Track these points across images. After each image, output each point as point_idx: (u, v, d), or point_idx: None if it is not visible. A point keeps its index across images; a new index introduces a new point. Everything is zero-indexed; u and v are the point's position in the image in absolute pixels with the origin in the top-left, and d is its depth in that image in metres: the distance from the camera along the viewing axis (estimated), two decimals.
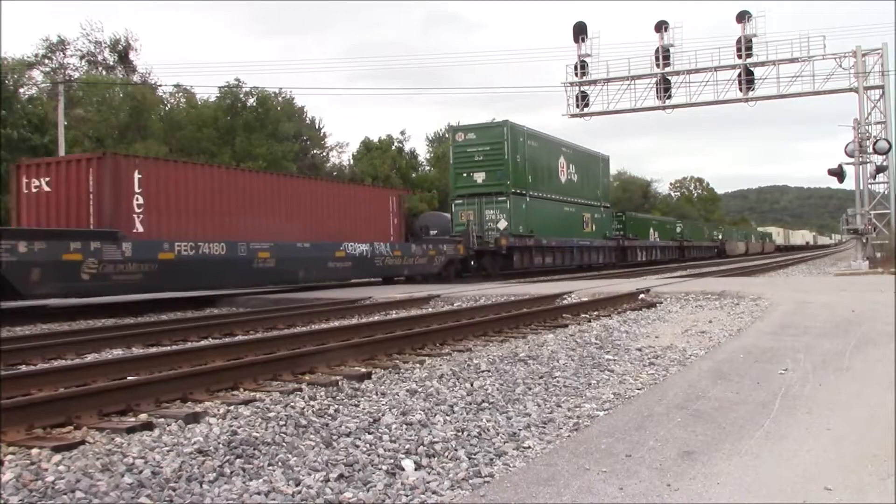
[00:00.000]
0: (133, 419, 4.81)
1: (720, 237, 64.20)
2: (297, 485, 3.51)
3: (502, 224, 25.96)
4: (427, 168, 61.75)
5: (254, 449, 4.05)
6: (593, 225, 33.94)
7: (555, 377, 6.06)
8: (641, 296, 13.30)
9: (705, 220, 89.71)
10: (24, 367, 7.24)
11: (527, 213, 27.03)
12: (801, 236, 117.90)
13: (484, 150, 26.44)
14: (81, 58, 40.21)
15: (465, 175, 26.73)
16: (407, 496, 3.39)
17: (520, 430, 4.47)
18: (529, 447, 4.11)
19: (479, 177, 26.48)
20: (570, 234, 31.03)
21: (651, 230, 44.84)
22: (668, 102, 33.83)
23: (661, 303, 12.55)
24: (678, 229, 51.96)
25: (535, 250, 27.67)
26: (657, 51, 33.51)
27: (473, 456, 3.95)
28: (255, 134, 41.11)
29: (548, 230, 28.49)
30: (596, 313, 11.25)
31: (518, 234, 26.08)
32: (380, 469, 3.74)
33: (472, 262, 24.99)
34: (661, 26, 33.55)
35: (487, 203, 26.19)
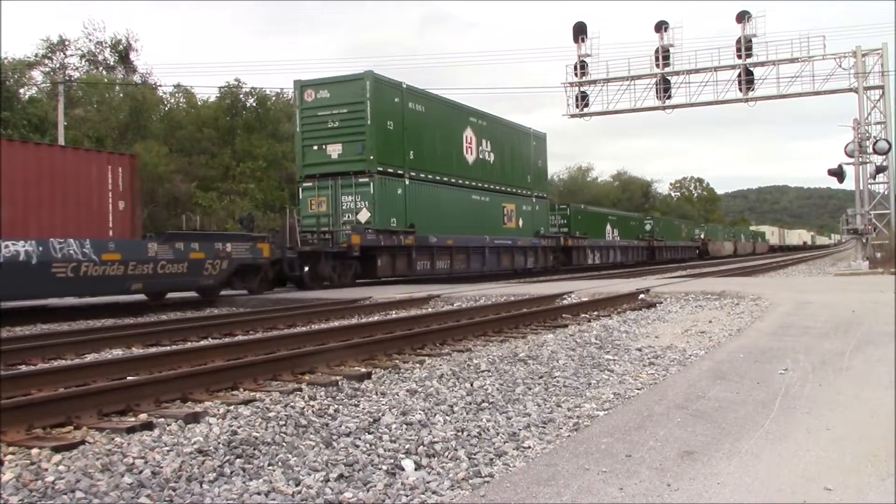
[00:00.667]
0: (133, 419, 4.81)
1: (702, 236, 57.65)
2: (297, 485, 3.51)
3: (364, 215, 19.45)
4: None
5: (254, 449, 4.05)
6: (520, 219, 27.03)
7: (555, 377, 6.06)
8: (641, 296, 13.30)
9: (705, 219, 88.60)
10: (24, 367, 7.24)
11: (406, 200, 20.62)
12: (798, 236, 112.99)
13: (340, 114, 19.76)
14: (82, 57, 40.27)
15: (315, 148, 20.06)
16: (407, 496, 3.39)
17: (520, 430, 4.47)
18: (529, 447, 4.11)
19: (335, 150, 19.83)
20: (482, 231, 24.19)
21: (608, 227, 38.40)
22: (667, 102, 33.88)
23: (661, 303, 12.55)
24: (647, 227, 45.42)
25: (416, 251, 20.86)
26: (657, 51, 33.55)
27: (473, 456, 3.95)
28: (255, 134, 41.12)
29: (442, 225, 22.01)
30: (596, 313, 11.25)
31: (388, 229, 19.73)
32: (380, 469, 3.74)
33: (303, 268, 18.00)
34: (661, 26, 33.59)
35: (345, 186, 19.66)
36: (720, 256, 57.54)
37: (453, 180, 23.15)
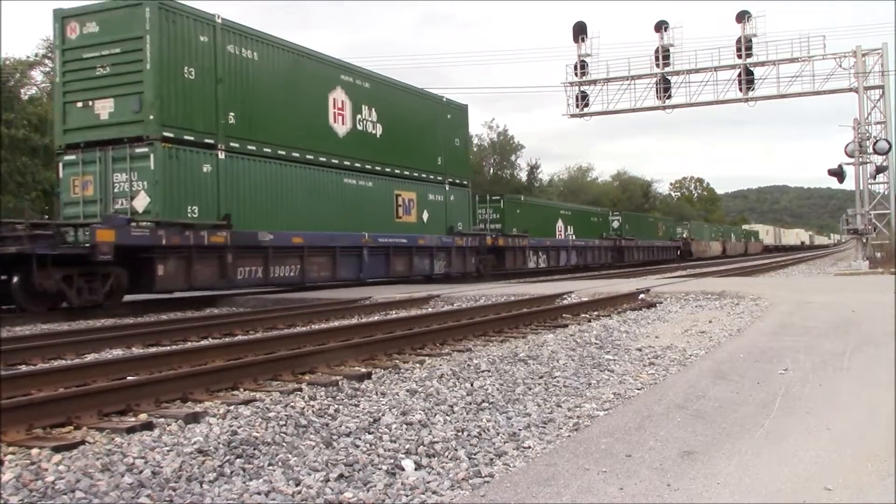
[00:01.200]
0: (133, 419, 4.81)
1: (684, 235, 52.37)
2: (297, 485, 3.51)
3: (142, 201, 13.89)
4: None
5: (254, 449, 4.05)
6: (424, 212, 21.53)
7: (555, 377, 6.06)
8: (641, 296, 13.31)
9: (705, 218, 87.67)
10: (24, 367, 7.24)
11: (220, 182, 14.95)
12: (795, 235, 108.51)
13: (112, 56, 14.09)
14: None
15: (80, 105, 14.47)
16: (407, 496, 3.39)
17: (520, 430, 4.47)
18: (529, 447, 4.11)
19: (105, 108, 14.20)
20: (359, 226, 18.49)
21: (559, 224, 32.82)
22: (667, 102, 33.88)
23: (661, 303, 12.55)
24: (614, 224, 40.20)
25: (234, 254, 14.94)
26: (657, 51, 33.56)
27: (473, 456, 3.95)
28: None
29: (287, 217, 16.49)
30: (596, 313, 11.26)
31: (180, 221, 14.00)
32: (380, 469, 3.74)
33: (9, 280, 12.41)
34: (661, 26, 33.61)
35: (118, 160, 14.00)
36: (706, 258, 51.93)
37: (310, 157, 17.29)
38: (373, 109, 19.51)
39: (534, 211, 31.36)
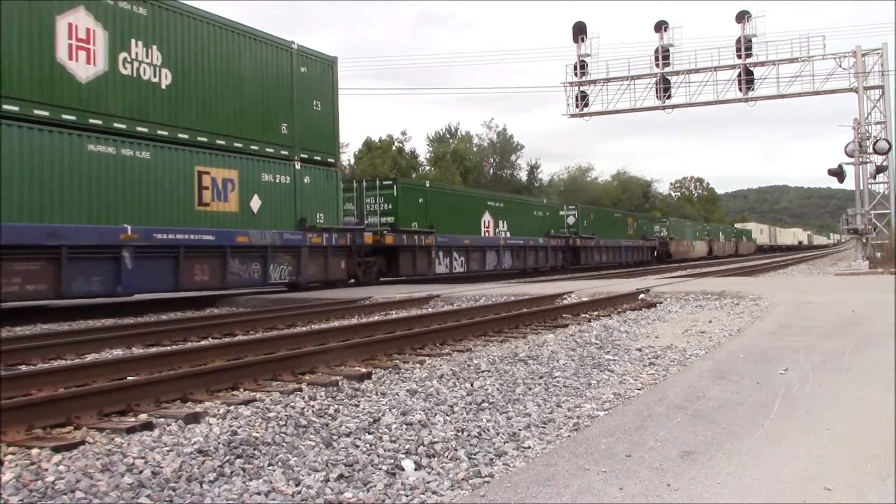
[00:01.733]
0: (133, 419, 4.82)
1: (662, 233, 46.70)
2: (297, 485, 3.51)
3: None
4: (427, 168, 62.02)
5: (254, 449, 4.05)
6: (254, 198, 16.07)
7: (555, 377, 6.06)
8: (641, 296, 13.31)
9: (706, 218, 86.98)
10: (24, 367, 7.24)
11: None
12: (793, 235, 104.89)
13: None
14: None
15: None
16: (407, 496, 3.39)
17: (520, 430, 4.47)
18: (529, 447, 4.11)
19: None
20: (120, 216, 13.17)
21: (486, 218, 26.77)
22: (667, 102, 33.89)
23: (661, 303, 12.56)
24: (569, 220, 34.46)
25: None
26: (657, 51, 33.58)
27: (473, 456, 3.95)
28: None
29: None
30: (596, 313, 11.26)
31: None
32: (380, 469, 3.74)
33: None
34: (660, 26, 33.63)
35: None
36: (690, 259, 46.70)
37: (12, 108, 11.74)
38: (153, 48, 14.07)
39: (445, 201, 24.50)
